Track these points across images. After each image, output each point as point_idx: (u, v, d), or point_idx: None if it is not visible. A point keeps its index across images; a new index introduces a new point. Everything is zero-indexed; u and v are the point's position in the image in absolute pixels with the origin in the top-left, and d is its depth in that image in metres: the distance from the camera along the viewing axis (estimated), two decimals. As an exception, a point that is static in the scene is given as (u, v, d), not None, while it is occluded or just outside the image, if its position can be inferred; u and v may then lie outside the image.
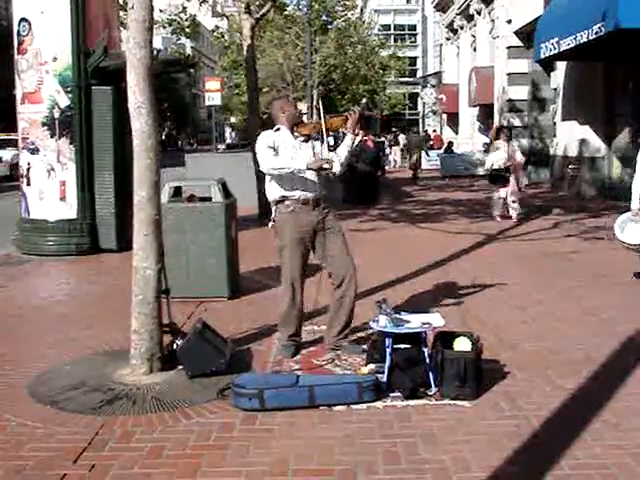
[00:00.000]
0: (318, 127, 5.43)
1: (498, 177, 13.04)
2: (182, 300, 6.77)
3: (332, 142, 5.61)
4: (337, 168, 5.35)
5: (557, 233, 11.63)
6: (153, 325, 4.97)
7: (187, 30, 18.37)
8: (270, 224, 5.47)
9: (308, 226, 5.33)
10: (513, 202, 12.98)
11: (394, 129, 37.40)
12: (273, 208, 5.44)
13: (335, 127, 5.53)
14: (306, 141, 5.44)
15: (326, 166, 5.21)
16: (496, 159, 13.02)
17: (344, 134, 5.48)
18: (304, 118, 6.17)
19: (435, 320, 4.84)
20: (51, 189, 10.13)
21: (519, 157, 13.47)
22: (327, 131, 5.41)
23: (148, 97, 4.90)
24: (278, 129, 5.43)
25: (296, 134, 5.43)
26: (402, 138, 35.29)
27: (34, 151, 10.19)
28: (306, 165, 5.16)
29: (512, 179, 12.96)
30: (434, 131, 40.24)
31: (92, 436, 4.02)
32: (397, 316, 4.79)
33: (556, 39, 15.40)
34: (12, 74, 10.65)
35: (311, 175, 5.31)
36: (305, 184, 5.31)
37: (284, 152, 5.27)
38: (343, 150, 5.42)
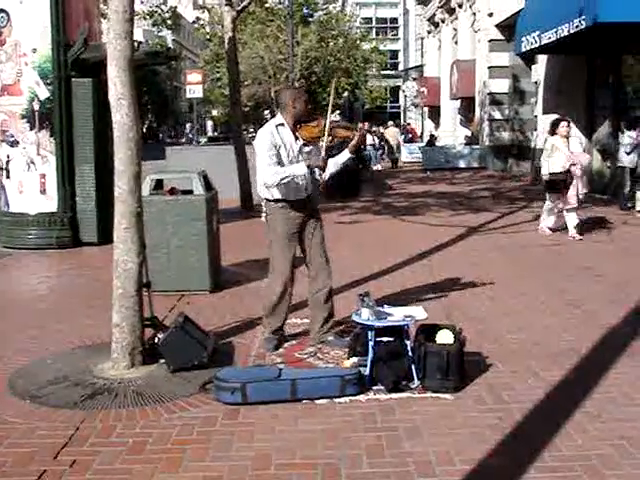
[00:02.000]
0: (319, 134, 5.24)
1: (556, 183, 10.43)
2: (164, 294, 6.74)
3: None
4: (324, 177, 5.35)
5: (539, 226, 11.64)
6: (134, 319, 4.93)
7: (168, 22, 18.28)
8: (263, 217, 5.43)
9: (299, 219, 5.32)
10: (569, 211, 10.45)
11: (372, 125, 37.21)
12: (263, 202, 5.41)
13: (340, 136, 5.40)
14: (305, 145, 5.34)
15: (321, 164, 5.20)
16: (555, 161, 10.34)
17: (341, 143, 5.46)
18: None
19: (418, 313, 4.84)
20: (31, 182, 10.04)
21: (584, 159, 10.67)
22: (329, 136, 5.26)
23: (129, 89, 4.85)
24: (281, 124, 5.28)
25: (297, 134, 5.29)
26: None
27: (13, 144, 10.08)
28: (306, 165, 5.15)
29: (574, 184, 10.32)
30: (408, 124, 40.29)
31: (73, 431, 3.99)
32: (379, 309, 4.79)
33: (537, 32, 15.46)
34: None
35: (305, 179, 5.27)
36: (298, 189, 5.27)
37: (285, 157, 5.22)
38: (333, 164, 5.38)
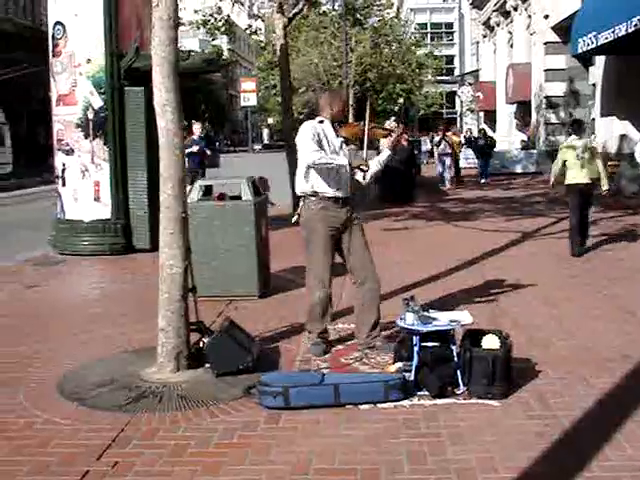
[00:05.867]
0: (359, 133, 5.34)
1: None
2: (212, 299, 6.77)
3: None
4: (366, 179, 5.39)
5: (594, 231, 11.36)
6: (180, 323, 4.96)
7: (222, 29, 18.49)
8: (294, 217, 5.44)
9: (337, 223, 5.29)
10: None
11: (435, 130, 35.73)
12: (301, 202, 5.40)
13: (377, 136, 5.47)
14: (346, 143, 5.38)
15: (363, 167, 5.23)
16: None
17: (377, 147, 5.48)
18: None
19: (463, 317, 4.76)
20: (85, 189, 10.22)
21: None
22: (368, 138, 5.34)
23: (174, 95, 4.89)
24: (322, 121, 5.34)
25: (337, 133, 5.35)
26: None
27: (69, 152, 10.29)
28: (348, 162, 5.16)
29: None
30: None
31: (117, 433, 4.02)
32: (425, 314, 4.72)
33: (594, 33, 15.15)
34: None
35: (345, 176, 5.28)
36: (339, 183, 5.27)
37: (326, 146, 5.23)
38: (375, 164, 5.41)
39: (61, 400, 4.58)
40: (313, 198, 5.31)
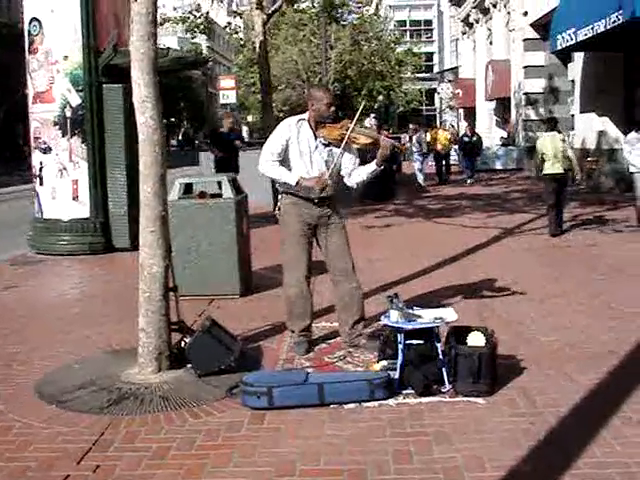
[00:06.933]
0: (342, 136, 5.10)
1: None
2: (193, 298, 6.70)
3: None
4: (352, 184, 5.36)
5: (575, 226, 11.44)
6: (161, 323, 4.88)
7: (201, 27, 18.38)
8: (276, 210, 5.38)
9: (310, 218, 5.22)
10: None
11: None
12: (280, 196, 5.34)
13: (361, 144, 5.27)
14: (327, 145, 5.22)
15: (316, 188, 5.04)
16: None
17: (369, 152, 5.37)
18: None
19: (448, 315, 4.71)
20: (64, 188, 10.09)
21: None
22: (351, 143, 5.17)
23: (153, 91, 4.80)
24: (303, 119, 5.23)
25: (318, 133, 5.19)
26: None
27: (46, 150, 10.14)
28: (296, 182, 5.07)
29: None
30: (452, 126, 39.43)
31: (97, 436, 3.94)
32: (409, 311, 4.68)
33: (573, 29, 15.19)
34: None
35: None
36: (307, 188, 5.15)
37: (294, 150, 5.14)
38: (363, 174, 5.29)
39: (40, 403, 4.49)
40: (286, 194, 5.26)
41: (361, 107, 5.52)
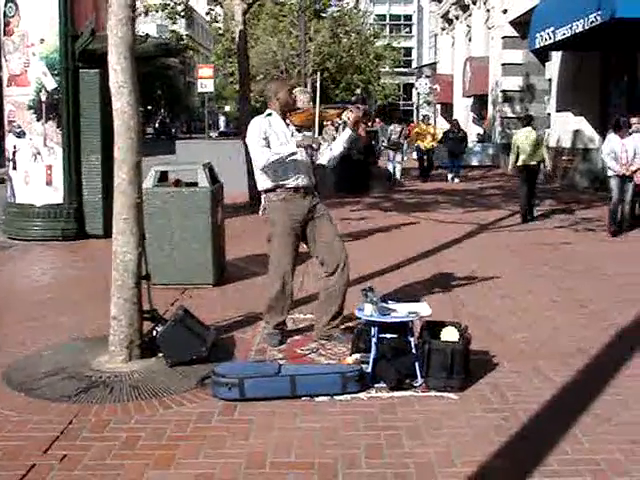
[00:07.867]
0: (311, 118, 5.27)
1: None
2: (166, 287, 6.66)
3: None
4: (328, 160, 5.32)
5: (549, 224, 11.53)
6: (132, 311, 4.83)
7: (181, 13, 18.22)
8: (260, 212, 5.34)
9: (300, 215, 5.21)
10: None
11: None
12: (263, 196, 5.31)
13: (329, 118, 5.43)
14: (299, 131, 5.29)
15: (314, 145, 5.09)
16: None
17: (340, 125, 5.39)
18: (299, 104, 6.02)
19: (422, 309, 4.71)
20: (37, 173, 9.94)
21: None
22: (320, 121, 5.28)
23: (130, 77, 4.74)
24: (270, 114, 5.28)
25: (288, 122, 5.29)
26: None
27: (20, 134, 9.99)
28: (296, 144, 5.05)
29: None
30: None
31: (65, 425, 3.89)
32: (383, 305, 4.67)
33: (552, 28, 15.28)
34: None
35: (303, 163, 5.20)
36: (297, 171, 5.18)
37: (275, 141, 5.14)
38: (339, 144, 5.31)
39: (8, 390, 4.42)
40: (274, 192, 5.22)
41: (318, 84, 5.52)
